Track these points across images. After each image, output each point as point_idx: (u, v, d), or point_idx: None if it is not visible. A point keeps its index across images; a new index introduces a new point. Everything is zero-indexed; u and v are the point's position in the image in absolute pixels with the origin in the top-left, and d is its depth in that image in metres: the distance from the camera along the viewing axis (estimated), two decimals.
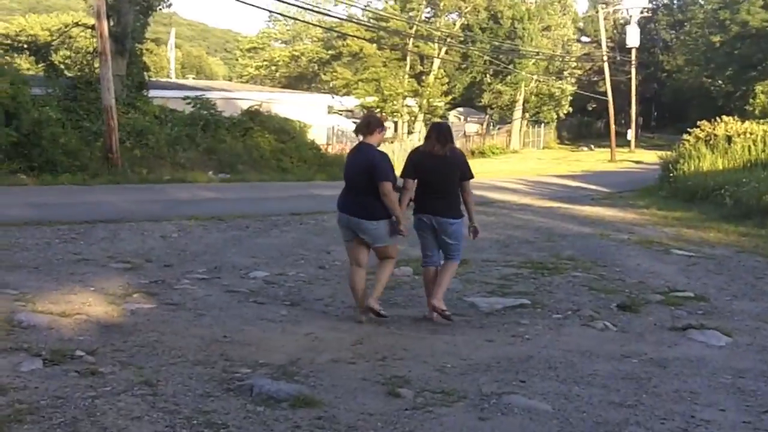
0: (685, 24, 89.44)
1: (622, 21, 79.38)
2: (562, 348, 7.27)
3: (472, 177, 8.31)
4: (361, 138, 8.11)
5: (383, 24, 50.95)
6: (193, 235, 13.26)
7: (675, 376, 6.65)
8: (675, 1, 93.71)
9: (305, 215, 16.70)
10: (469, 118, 67.17)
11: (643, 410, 5.73)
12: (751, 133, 26.27)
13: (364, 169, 7.84)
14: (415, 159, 8.26)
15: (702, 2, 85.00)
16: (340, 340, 7.18)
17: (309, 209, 17.62)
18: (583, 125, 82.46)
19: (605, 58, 57.73)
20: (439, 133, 8.26)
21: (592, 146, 65.22)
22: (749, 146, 25.56)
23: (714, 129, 27.72)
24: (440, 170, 8.10)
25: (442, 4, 55.14)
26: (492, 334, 7.67)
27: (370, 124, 8.16)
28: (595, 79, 72.67)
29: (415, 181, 8.17)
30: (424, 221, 8.21)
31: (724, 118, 28.20)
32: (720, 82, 73.04)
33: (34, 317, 7.08)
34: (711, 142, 27.08)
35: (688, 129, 29.41)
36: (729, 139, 26.43)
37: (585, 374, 6.53)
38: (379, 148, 8.12)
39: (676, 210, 20.77)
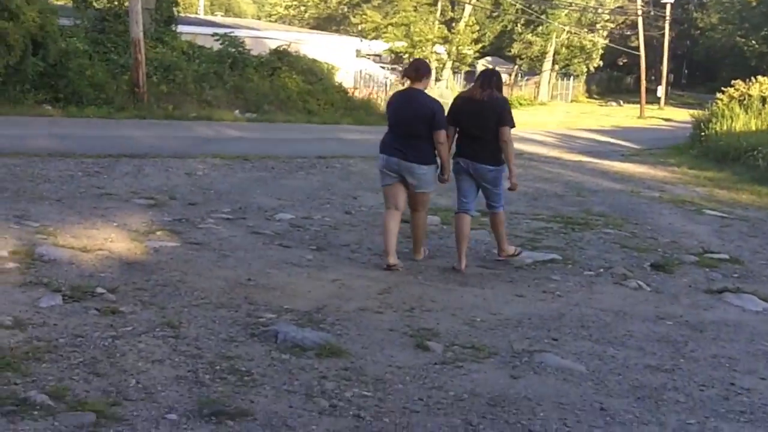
0: None
1: None
2: (595, 306, 7.06)
3: (511, 125, 8.09)
4: (408, 83, 8.13)
5: None
6: (218, 174, 13.07)
7: (712, 340, 6.44)
8: None
9: (331, 158, 16.48)
10: (497, 67, 66.37)
11: (681, 375, 5.52)
12: None
13: (422, 115, 7.79)
14: (455, 104, 8.30)
15: None
16: (367, 288, 6.99)
17: (335, 152, 17.39)
18: (612, 80, 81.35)
19: (639, 12, 56.66)
20: (484, 78, 8.20)
21: (621, 101, 64.29)
22: None
23: (749, 89, 27.11)
24: (477, 114, 8.00)
25: None
26: (522, 289, 7.45)
27: (419, 69, 8.11)
28: (628, 33, 71.58)
29: (456, 129, 8.15)
30: (461, 165, 8.17)
31: (760, 78, 27.56)
32: (754, 42, 71.91)
33: (55, 251, 6.93)
34: (745, 102, 26.47)
35: (722, 88, 28.79)
36: (764, 100, 25.84)
37: (619, 335, 6.33)
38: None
39: (708, 170, 20.37)
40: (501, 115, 8.02)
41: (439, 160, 8.00)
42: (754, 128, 24.36)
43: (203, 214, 9.52)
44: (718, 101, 27.80)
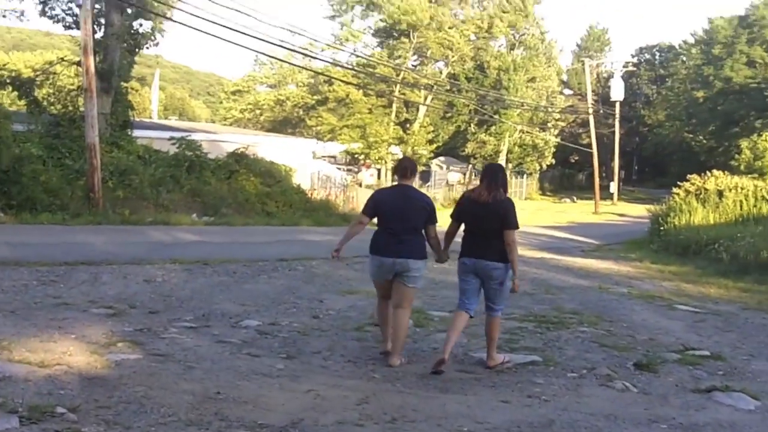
0: (667, 79, 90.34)
1: (605, 75, 79.90)
2: (584, 411, 6.71)
3: (515, 227, 7.99)
4: (398, 180, 8.36)
5: (370, 70, 50.75)
6: (178, 280, 12.66)
7: None
8: (657, 57, 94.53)
9: (293, 260, 16.14)
10: (451, 167, 66.92)
11: None
12: (742, 188, 25.98)
13: (420, 208, 8.11)
14: (461, 205, 8.35)
15: (684, 59, 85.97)
16: (344, 398, 6.59)
17: (297, 255, 17.08)
18: (564, 177, 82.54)
19: (590, 110, 57.76)
20: (491, 178, 8.14)
21: (575, 198, 65.03)
22: (741, 201, 25.25)
23: (704, 183, 27.41)
24: (482, 217, 7.98)
25: (429, 52, 55.11)
26: (506, 394, 7.10)
27: (407, 167, 8.40)
28: (579, 131, 72.88)
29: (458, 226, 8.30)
30: (466, 264, 8.07)
31: (714, 172, 27.93)
32: (701, 137, 73.47)
33: (10, 367, 6.46)
34: (701, 195, 26.74)
35: (678, 183, 29.08)
36: (720, 193, 26.10)
37: None
38: None
39: (671, 264, 20.34)
40: (505, 217, 7.91)
41: (435, 251, 8.33)
42: (712, 221, 24.54)
43: (165, 323, 9.09)
44: (675, 195, 28.05)
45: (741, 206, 24.91)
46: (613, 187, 61.14)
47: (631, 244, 27.31)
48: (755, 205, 24.76)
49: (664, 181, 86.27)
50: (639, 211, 56.02)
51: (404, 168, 8.38)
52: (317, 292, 12.55)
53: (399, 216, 8.05)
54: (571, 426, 6.27)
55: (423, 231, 8.15)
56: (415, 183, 8.98)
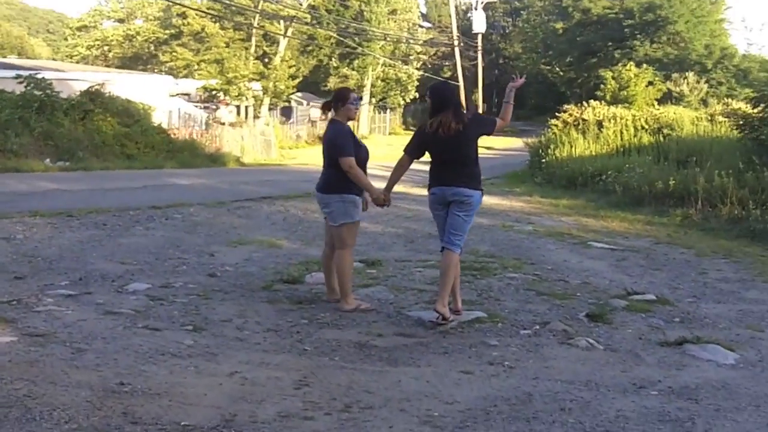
0: (522, 12, 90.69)
1: (463, 7, 79.42)
2: (558, 378, 5.72)
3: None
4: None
5: (226, 2, 48.42)
6: (42, 236, 11.02)
7: (716, 412, 5.20)
8: None
9: (168, 208, 14.61)
10: (311, 103, 65.25)
11: None
12: (621, 118, 25.64)
13: (326, 144, 7.70)
14: (422, 135, 7.43)
15: None
16: (278, 381, 5.36)
17: (170, 201, 15.53)
18: (427, 111, 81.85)
19: (456, 42, 57.05)
20: (454, 106, 7.32)
21: None
22: (620, 131, 24.89)
23: (582, 113, 27.00)
24: (456, 144, 7.16)
25: None
26: (464, 363, 6.01)
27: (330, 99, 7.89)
28: (441, 64, 72.32)
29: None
30: (437, 195, 7.32)
31: (592, 102, 27.59)
32: (558, 69, 73.95)
33: None
34: (580, 127, 26.32)
35: (557, 114, 28.63)
36: (600, 124, 25.71)
37: (611, 417, 4.99)
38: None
39: (561, 197, 19.74)
40: (485, 126, 7.41)
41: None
42: (594, 153, 24.12)
43: (37, 291, 7.58)
44: (553, 127, 27.56)
45: (621, 136, 24.54)
46: None
47: (511, 177, 26.75)
48: (635, 135, 24.45)
49: (522, 114, 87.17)
50: (505, 143, 56.18)
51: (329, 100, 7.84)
52: (204, 244, 11.18)
53: (323, 153, 7.78)
54: (553, 399, 5.26)
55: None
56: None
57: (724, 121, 24.19)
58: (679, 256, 11.48)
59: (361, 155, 7.57)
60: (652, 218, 15.69)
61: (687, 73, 46.53)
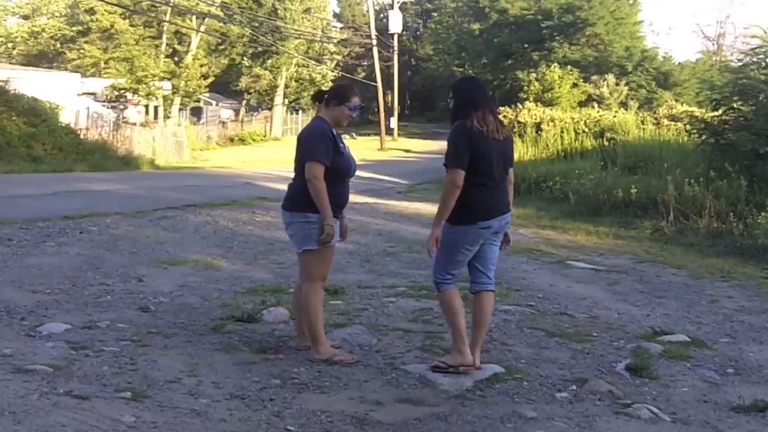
0: (434, 13, 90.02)
1: (377, 7, 78.16)
2: None
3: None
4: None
5: None
6: None
7: None
8: None
9: (82, 218, 12.80)
10: (221, 104, 63.18)
11: None
12: (561, 120, 24.51)
13: (299, 145, 6.01)
14: (472, 139, 5.55)
15: None
16: None
17: (84, 210, 13.71)
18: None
19: (374, 41, 55.66)
20: (489, 100, 5.89)
21: (354, 134, 63.07)
22: (560, 134, 23.76)
23: (517, 116, 25.81)
24: (503, 155, 5.75)
25: None
26: None
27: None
28: (355, 64, 70.99)
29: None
30: (489, 228, 5.70)
31: (527, 104, 26.43)
32: (471, 71, 73.18)
33: None
34: (515, 129, 25.11)
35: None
36: (538, 126, 24.54)
37: None
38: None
39: None
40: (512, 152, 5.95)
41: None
42: (533, 157, 22.94)
43: None
44: None
45: (562, 140, 23.41)
46: (394, 122, 59.49)
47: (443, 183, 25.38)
48: (576, 139, 23.33)
49: (434, 116, 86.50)
50: (422, 146, 55.17)
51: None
52: (129, 265, 9.45)
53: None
54: None
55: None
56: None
57: (671, 125, 23.34)
58: (673, 279, 10.18)
59: (340, 166, 5.91)
60: (618, 230, 14.44)
61: (607, 76, 46.08)
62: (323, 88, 60.66)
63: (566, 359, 6.27)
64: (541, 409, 5.13)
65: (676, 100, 43.15)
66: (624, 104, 41.47)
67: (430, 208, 17.56)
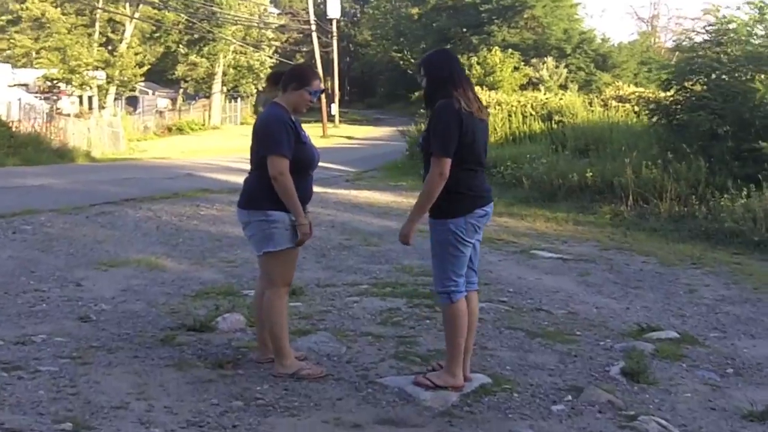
0: None
1: None
2: None
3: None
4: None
5: None
6: None
7: None
8: None
9: (14, 217, 12.01)
10: (156, 93, 61.81)
11: None
12: (507, 104, 24.07)
13: (255, 134, 5.34)
14: (460, 118, 4.84)
15: None
16: None
17: (16, 207, 12.87)
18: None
19: (313, 26, 54.82)
20: (467, 79, 5.14)
21: None
22: (507, 118, 23.31)
23: None
24: (486, 135, 5.17)
25: None
26: None
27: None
28: (294, 50, 70.10)
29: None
30: (486, 215, 5.12)
31: (478, 87, 25.88)
32: (410, 56, 72.75)
33: None
34: None
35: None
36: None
37: None
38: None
39: None
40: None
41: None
42: None
43: None
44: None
45: (510, 124, 22.97)
46: (335, 109, 58.71)
47: (391, 169, 24.86)
48: (524, 122, 22.91)
49: (374, 102, 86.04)
50: (364, 132, 54.61)
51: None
52: (66, 267, 8.75)
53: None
54: None
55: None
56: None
57: (619, 106, 23.05)
58: (644, 267, 9.76)
59: (304, 157, 5.28)
60: (576, 216, 14.02)
61: (546, 58, 45.93)
62: (261, 75, 60.48)
63: (554, 364, 5.75)
64: (538, 426, 4.60)
65: (615, 82, 43.27)
66: (564, 86, 41.27)
67: (380, 197, 17.08)
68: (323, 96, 52.06)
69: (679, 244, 11.49)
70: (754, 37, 15.04)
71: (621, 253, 10.67)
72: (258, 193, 5.20)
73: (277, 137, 5.12)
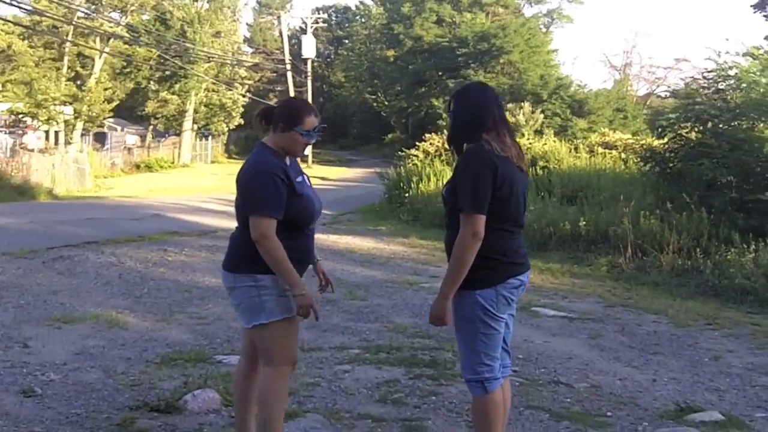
0: (345, 40, 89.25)
1: (289, 33, 76.70)
2: None
3: None
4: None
5: (36, 18, 43.65)
6: None
7: None
8: (334, 18, 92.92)
9: None
10: (125, 129, 60.71)
11: None
12: None
13: (239, 186, 4.29)
14: (495, 167, 3.92)
15: (364, 19, 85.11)
16: None
17: None
18: (250, 139, 78.17)
19: (288, 66, 54.17)
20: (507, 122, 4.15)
21: None
22: None
23: (443, 143, 24.57)
24: (525, 189, 4.20)
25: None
26: None
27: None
28: (267, 89, 69.36)
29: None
30: (521, 288, 4.16)
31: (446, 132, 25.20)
32: (383, 98, 72.33)
33: None
34: (443, 157, 23.87)
35: (417, 143, 26.23)
36: None
37: None
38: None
39: (440, 239, 17.03)
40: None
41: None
42: None
43: None
44: (413, 157, 25.07)
45: None
46: (308, 149, 57.60)
47: (368, 213, 24.00)
48: None
49: (346, 143, 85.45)
50: (337, 173, 53.81)
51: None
52: (12, 324, 7.77)
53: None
54: None
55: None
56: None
57: (605, 153, 22.36)
58: (657, 328, 8.87)
59: (300, 214, 4.22)
60: (571, 267, 13.17)
61: (522, 103, 45.43)
62: (233, 113, 59.70)
63: None
64: None
65: (590, 128, 42.73)
66: (539, 132, 40.74)
67: (360, 243, 16.18)
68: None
69: (687, 301, 10.63)
70: (756, 84, 14.31)
71: (628, 311, 9.78)
72: (245, 253, 4.16)
73: (260, 194, 4.10)
